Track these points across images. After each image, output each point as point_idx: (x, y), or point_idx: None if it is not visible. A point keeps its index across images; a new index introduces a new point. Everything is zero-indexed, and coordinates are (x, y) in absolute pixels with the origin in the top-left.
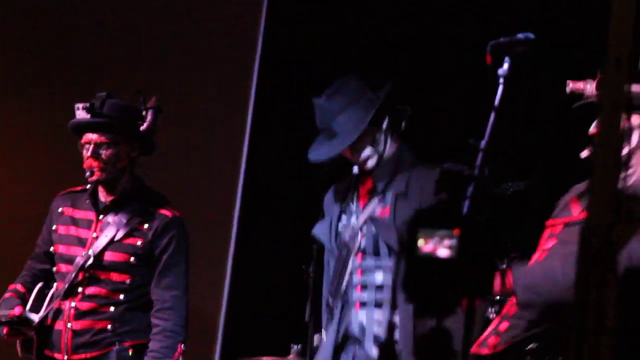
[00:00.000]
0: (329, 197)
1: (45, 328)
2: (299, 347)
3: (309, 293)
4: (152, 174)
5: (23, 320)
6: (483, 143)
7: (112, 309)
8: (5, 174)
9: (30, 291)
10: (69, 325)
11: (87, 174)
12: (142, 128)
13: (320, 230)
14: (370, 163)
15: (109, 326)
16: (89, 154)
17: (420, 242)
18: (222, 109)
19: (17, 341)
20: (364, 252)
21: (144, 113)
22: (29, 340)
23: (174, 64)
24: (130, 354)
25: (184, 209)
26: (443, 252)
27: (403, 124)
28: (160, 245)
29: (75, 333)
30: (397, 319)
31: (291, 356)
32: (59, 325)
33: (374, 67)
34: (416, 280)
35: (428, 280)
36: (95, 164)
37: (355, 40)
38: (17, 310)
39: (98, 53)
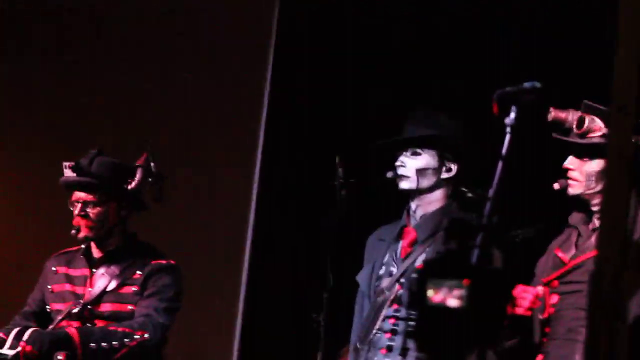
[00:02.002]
0: (371, 243)
1: None
2: None
3: (320, 341)
4: (159, 217)
5: None
6: (491, 192)
7: None
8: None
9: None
10: None
11: (73, 231)
12: (130, 187)
13: (361, 276)
14: (406, 184)
15: None
16: (76, 212)
17: (430, 293)
18: (231, 150)
19: None
20: (399, 302)
21: (149, 164)
22: None
23: (180, 102)
24: None
25: (193, 255)
26: (453, 302)
27: (464, 191)
28: (153, 285)
29: None
30: None
31: None
32: None
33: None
34: (428, 329)
35: (440, 330)
36: (83, 222)
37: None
38: None
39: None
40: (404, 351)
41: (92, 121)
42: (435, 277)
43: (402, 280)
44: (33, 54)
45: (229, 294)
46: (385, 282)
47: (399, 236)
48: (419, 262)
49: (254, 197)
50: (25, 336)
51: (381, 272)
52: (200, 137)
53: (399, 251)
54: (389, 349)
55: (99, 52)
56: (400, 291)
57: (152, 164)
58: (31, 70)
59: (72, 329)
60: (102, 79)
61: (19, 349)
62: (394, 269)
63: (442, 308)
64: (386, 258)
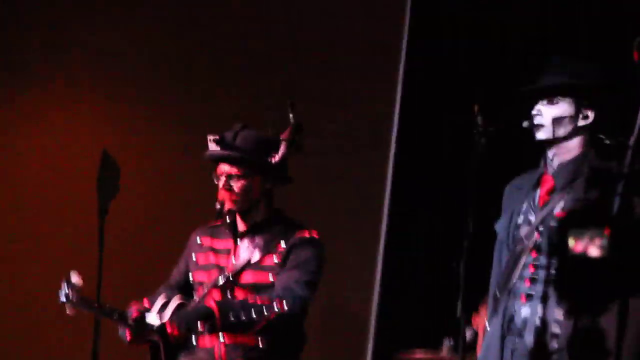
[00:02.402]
0: (509, 192)
1: (187, 342)
2: (451, 341)
3: (459, 289)
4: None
5: (140, 322)
6: (632, 139)
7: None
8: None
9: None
10: (221, 339)
11: (218, 205)
12: (273, 160)
13: (500, 225)
14: (542, 134)
15: (261, 344)
16: (221, 185)
17: (571, 243)
18: (369, 103)
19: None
20: (538, 249)
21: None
22: (156, 348)
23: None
24: None
25: (333, 207)
26: (594, 251)
27: (603, 137)
28: (295, 257)
29: (228, 348)
30: (557, 314)
31: (444, 351)
32: (209, 339)
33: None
34: (569, 279)
35: (581, 280)
36: (227, 195)
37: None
38: (133, 313)
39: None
40: (544, 299)
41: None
42: (576, 227)
43: (541, 228)
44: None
45: (368, 248)
46: (524, 231)
47: (537, 184)
48: (557, 210)
49: (392, 148)
50: (171, 314)
51: (519, 220)
52: (337, 96)
53: (537, 199)
54: (529, 297)
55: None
56: (539, 239)
57: (296, 137)
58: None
59: (212, 302)
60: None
61: (164, 320)
62: (532, 217)
63: (583, 258)
64: (524, 206)
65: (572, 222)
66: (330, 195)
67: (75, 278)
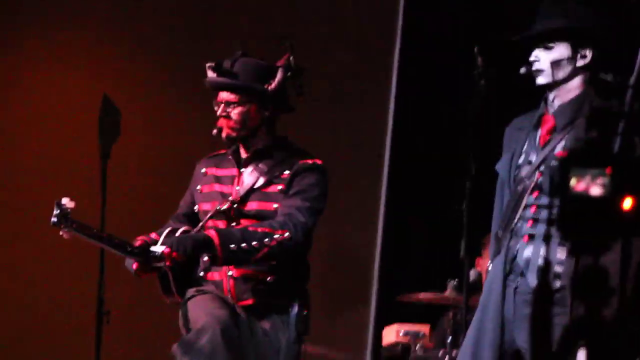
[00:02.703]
0: (509, 132)
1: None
2: (455, 282)
3: (463, 230)
4: (303, 120)
5: (144, 250)
6: (632, 79)
7: None
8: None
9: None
10: (229, 273)
11: (215, 131)
12: (270, 87)
13: (501, 166)
14: (542, 79)
15: (269, 277)
16: (219, 112)
17: (573, 182)
18: (369, 43)
19: (159, 287)
20: (540, 189)
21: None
22: (165, 277)
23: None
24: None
25: (334, 150)
26: (596, 190)
27: (603, 75)
28: (298, 185)
29: (237, 281)
30: (560, 254)
31: (448, 292)
32: (218, 274)
33: None
34: (571, 218)
35: (583, 220)
36: (225, 122)
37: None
38: (138, 242)
39: None
40: (546, 239)
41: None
42: (577, 166)
43: (542, 168)
44: None
45: (371, 189)
46: (525, 171)
47: (538, 124)
48: (558, 150)
49: (394, 88)
50: (170, 241)
51: (520, 160)
52: (338, 33)
53: (537, 139)
54: (531, 237)
55: None
56: (541, 179)
57: (292, 61)
58: None
59: (212, 231)
60: None
61: (163, 248)
62: (533, 157)
63: (585, 197)
64: (525, 146)
65: (574, 161)
66: (331, 133)
67: (65, 201)
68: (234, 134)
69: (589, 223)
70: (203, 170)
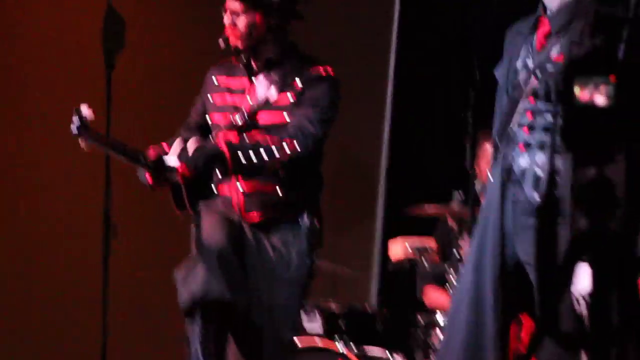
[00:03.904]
0: (509, 37)
1: (206, 186)
2: (460, 192)
3: (468, 140)
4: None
5: (158, 162)
6: None
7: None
8: None
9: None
10: (239, 187)
11: (221, 41)
12: None
13: (499, 71)
14: None
15: (279, 191)
16: (226, 22)
17: (577, 90)
18: None
19: (171, 198)
20: (535, 95)
21: None
22: (178, 189)
23: None
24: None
25: (340, 60)
26: (600, 99)
27: None
28: (309, 94)
29: (246, 196)
30: (559, 164)
31: (454, 204)
32: (228, 188)
33: None
34: (575, 128)
35: (587, 129)
36: (231, 32)
37: None
38: (151, 153)
39: None
40: (542, 146)
41: None
42: (581, 74)
43: (538, 72)
44: None
45: (377, 100)
46: (522, 76)
47: (534, 28)
48: (553, 54)
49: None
50: (181, 155)
51: (518, 65)
52: None
53: (534, 43)
54: (527, 145)
55: None
56: (536, 84)
57: None
58: None
59: (222, 143)
60: None
61: (176, 159)
62: (529, 62)
63: (589, 106)
64: (523, 51)
65: (577, 69)
66: (337, 42)
67: (85, 110)
68: (239, 43)
69: (592, 132)
70: (214, 78)
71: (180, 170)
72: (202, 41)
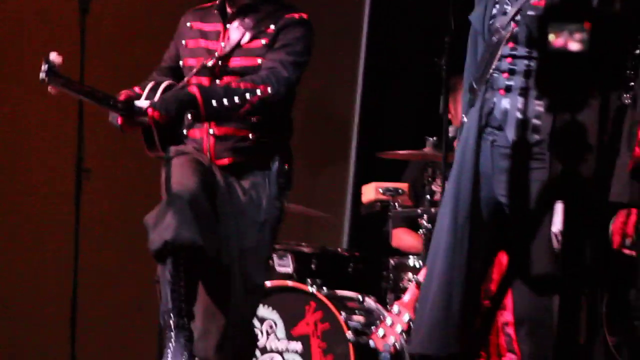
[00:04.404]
0: None
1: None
2: (434, 139)
3: (442, 85)
4: None
5: (128, 104)
6: None
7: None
8: None
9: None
10: (210, 131)
11: None
12: None
13: (475, 16)
14: None
15: (250, 135)
16: None
17: (551, 37)
18: None
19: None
20: (515, 40)
21: None
22: (149, 131)
23: None
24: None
25: (315, 5)
26: (574, 46)
27: None
28: (282, 39)
29: (217, 139)
30: (536, 107)
31: (427, 148)
32: (199, 131)
33: None
34: (549, 73)
35: (562, 75)
36: None
37: None
38: (122, 96)
39: None
40: (523, 91)
41: None
42: (556, 21)
43: (518, 17)
44: None
45: (352, 44)
46: (500, 21)
47: None
48: None
49: None
50: (154, 102)
51: (494, 10)
52: None
53: None
54: (508, 89)
55: None
56: (517, 29)
57: None
58: None
59: (194, 89)
60: None
61: (147, 103)
62: (507, 7)
63: (563, 52)
64: None
65: (552, 15)
66: None
67: (53, 56)
68: None
69: (567, 78)
70: (188, 23)
71: (150, 114)
72: None
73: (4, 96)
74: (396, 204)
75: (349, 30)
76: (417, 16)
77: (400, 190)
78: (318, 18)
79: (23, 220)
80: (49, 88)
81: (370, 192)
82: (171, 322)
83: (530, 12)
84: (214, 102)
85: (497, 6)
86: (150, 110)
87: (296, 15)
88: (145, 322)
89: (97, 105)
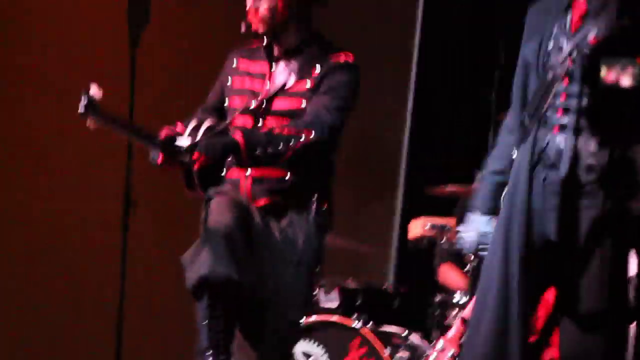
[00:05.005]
0: (534, 15)
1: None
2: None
3: (491, 120)
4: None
5: (169, 143)
6: None
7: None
8: None
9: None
10: (247, 172)
11: (243, 26)
12: None
13: (529, 51)
14: None
15: (288, 176)
16: (248, 6)
17: (603, 72)
18: None
19: (183, 179)
20: (570, 77)
21: None
22: (189, 171)
23: None
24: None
25: (363, 40)
26: (626, 81)
27: None
28: (327, 83)
29: (254, 180)
30: (591, 146)
31: (475, 184)
32: (237, 172)
33: None
34: (602, 110)
35: (614, 110)
36: (253, 15)
37: None
38: (162, 134)
39: None
40: (577, 130)
41: None
42: (608, 55)
43: (574, 55)
44: None
45: (400, 78)
46: (555, 57)
47: (568, 7)
48: (591, 37)
49: None
50: (197, 141)
51: (550, 46)
52: None
53: (568, 24)
54: (562, 127)
55: None
56: (572, 66)
57: None
58: None
59: (238, 134)
60: None
61: (189, 141)
62: (564, 44)
63: (615, 87)
64: (555, 31)
65: (605, 50)
66: (360, 25)
67: (94, 89)
68: (262, 28)
69: (620, 114)
70: (235, 62)
71: (196, 157)
72: (227, 23)
73: (56, 128)
74: (443, 240)
75: (398, 62)
76: (466, 50)
77: (447, 227)
78: (367, 51)
79: (70, 252)
80: (88, 122)
81: (417, 228)
82: None
83: (586, 50)
84: (257, 149)
85: (553, 41)
86: (196, 154)
87: (342, 59)
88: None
89: (137, 140)
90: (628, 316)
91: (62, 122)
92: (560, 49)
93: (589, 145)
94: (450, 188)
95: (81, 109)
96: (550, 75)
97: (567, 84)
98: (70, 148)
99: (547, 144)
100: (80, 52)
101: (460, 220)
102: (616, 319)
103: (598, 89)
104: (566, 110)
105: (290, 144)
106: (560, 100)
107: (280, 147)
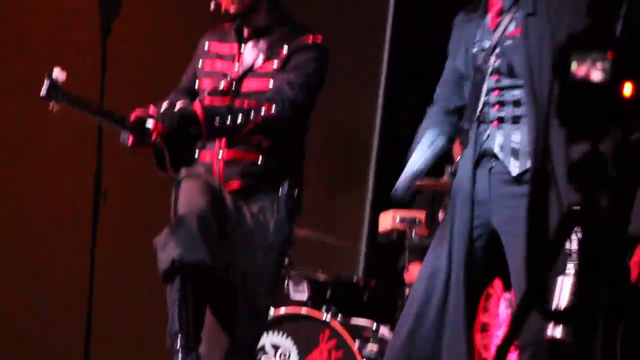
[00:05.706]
0: (459, 26)
1: (188, 150)
2: (452, 168)
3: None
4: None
5: (140, 124)
6: None
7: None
8: None
9: None
10: (220, 154)
11: (212, 5)
12: None
13: (460, 62)
14: None
15: (260, 159)
16: None
17: (574, 66)
18: None
19: (154, 160)
20: (498, 72)
21: None
22: (160, 152)
23: None
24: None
25: (335, 30)
26: (597, 75)
27: None
28: (294, 61)
29: (227, 162)
30: (551, 142)
31: (445, 177)
32: (209, 155)
33: None
34: (570, 104)
35: (582, 105)
36: None
37: None
38: (133, 115)
39: None
40: (515, 120)
41: None
42: (578, 50)
43: (497, 50)
44: None
45: (371, 71)
46: (480, 58)
47: (485, 9)
48: (510, 29)
49: None
50: (157, 114)
51: (474, 50)
52: None
53: (487, 23)
54: (501, 120)
55: None
56: (498, 61)
57: None
58: None
59: (198, 106)
60: None
61: (152, 122)
62: (486, 43)
63: (585, 82)
64: (477, 36)
65: (574, 45)
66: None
67: (56, 72)
68: (232, 8)
69: (587, 109)
70: (207, 44)
71: (153, 126)
72: (199, 10)
73: (22, 117)
74: (412, 233)
75: (369, 55)
76: (437, 44)
77: (417, 220)
78: (338, 44)
79: (39, 241)
80: (51, 105)
81: (387, 220)
82: (178, 343)
83: (507, 43)
84: (216, 120)
85: (476, 45)
86: (153, 122)
87: (310, 39)
88: (161, 344)
89: (106, 123)
90: (596, 312)
91: (30, 111)
92: (483, 49)
93: (529, 135)
94: (420, 181)
95: (43, 92)
96: (478, 76)
97: (497, 79)
98: (38, 137)
99: (488, 137)
100: (50, 41)
101: (429, 214)
102: (584, 315)
103: (566, 83)
104: (501, 104)
105: (251, 117)
106: (494, 96)
107: (239, 120)
